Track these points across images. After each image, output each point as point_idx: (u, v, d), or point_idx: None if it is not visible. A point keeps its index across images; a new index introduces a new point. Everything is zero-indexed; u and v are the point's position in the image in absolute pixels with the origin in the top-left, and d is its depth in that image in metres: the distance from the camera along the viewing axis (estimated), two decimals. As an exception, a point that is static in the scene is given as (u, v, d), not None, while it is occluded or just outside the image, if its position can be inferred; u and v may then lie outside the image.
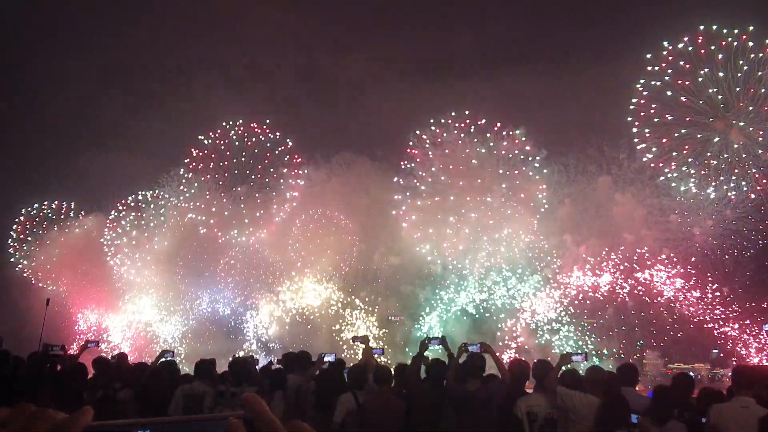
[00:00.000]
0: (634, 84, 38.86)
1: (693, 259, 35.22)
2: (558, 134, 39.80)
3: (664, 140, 38.08)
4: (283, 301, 39.81)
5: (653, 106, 38.36)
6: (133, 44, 58.78)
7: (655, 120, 38.28)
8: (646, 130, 38.45)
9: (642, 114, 38.61)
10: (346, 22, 61.43)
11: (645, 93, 38.58)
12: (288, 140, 44.96)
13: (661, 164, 37.72)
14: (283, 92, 58.28)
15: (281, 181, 43.02)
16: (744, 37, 37.04)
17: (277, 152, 44.71)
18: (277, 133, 45.30)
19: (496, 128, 39.46)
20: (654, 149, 38.12)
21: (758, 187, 36.14)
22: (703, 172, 37.03)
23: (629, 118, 38.75)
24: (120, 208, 44.80)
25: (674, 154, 37.75)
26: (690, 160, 37.55)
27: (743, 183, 36.25)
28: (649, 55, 38.97)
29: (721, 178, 36.70)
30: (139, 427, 1.16)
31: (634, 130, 38.62)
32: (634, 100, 38.84)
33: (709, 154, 37.32)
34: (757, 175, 36.44)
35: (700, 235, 35.46)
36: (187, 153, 45.38)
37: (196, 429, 1.23)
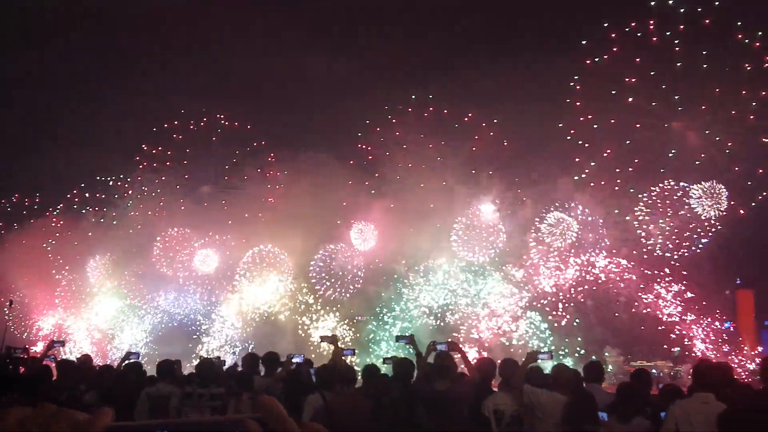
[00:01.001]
0: (570, 80, 35.23)
1: (651, 254, 35.29)
2: (520, 133, 39.29)
3: (607, 151, 35.14)
4: (243, 299, 39.49)
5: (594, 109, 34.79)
6: (92, 36, 57.47)
7: (595, 126, 35.07)
8: (580, 141, 35.32)
9: (581, 119, 34.99)
10: (311, 21, 61.00)
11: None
12: (258, 136, 43.30)
13: (603, 182, 35.76)
14: (246, 91, 57.53)
15: (248, 186, 41.76)
16: (707, 21, 32.47)
17: (248, 149, 43.08)
18: (248, 126, 43.25)
19: (467, 118, 39.11)
20: (593, 163, 35.34)
21: (723, 212, 33.40)
22: (654, 194, 35.05)
23: (560, 124, 35.67)
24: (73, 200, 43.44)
25: (618, 170, 34.92)
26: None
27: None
28: (584, 42, 35.00)
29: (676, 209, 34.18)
30: (158, 427, 1.20)
31: (569, 138, 35.25)
32: (568, 100, 35.00)
33: (662, 170, 35.00)
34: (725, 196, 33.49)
35: (656, 233, 35.73)
36: (143, 149, 43.38)
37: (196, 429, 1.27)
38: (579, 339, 34.89)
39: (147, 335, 40.22)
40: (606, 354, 33.59)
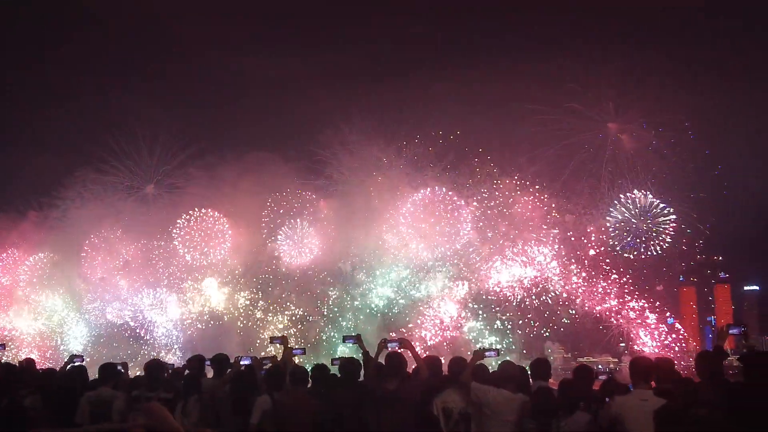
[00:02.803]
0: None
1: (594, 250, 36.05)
2: (462, 139, 39.70)
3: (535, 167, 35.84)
4: (191, 301, 38.94)
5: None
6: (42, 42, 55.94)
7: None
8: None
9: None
10: (261, 24, 60.60)
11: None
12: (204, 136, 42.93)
13: (544, 184, 36.56)
14: (194, 91, 56.81)
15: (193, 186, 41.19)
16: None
17: (193, 150, 42.51)
18: (193, 126, 42.98)
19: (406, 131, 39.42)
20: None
21: (672, 232, 34.52)
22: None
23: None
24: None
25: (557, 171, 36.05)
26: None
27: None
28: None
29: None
30: None
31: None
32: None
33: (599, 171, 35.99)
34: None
35: (594, 232, 36.58)
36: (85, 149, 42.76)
37: None
38: (508, 335, 35.60)
39: (90, 337, 39.26)
40: (548, 350, 34.26)
